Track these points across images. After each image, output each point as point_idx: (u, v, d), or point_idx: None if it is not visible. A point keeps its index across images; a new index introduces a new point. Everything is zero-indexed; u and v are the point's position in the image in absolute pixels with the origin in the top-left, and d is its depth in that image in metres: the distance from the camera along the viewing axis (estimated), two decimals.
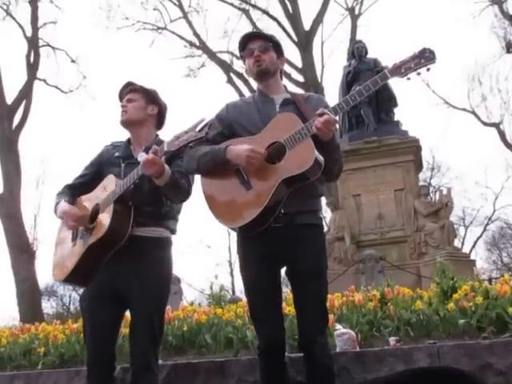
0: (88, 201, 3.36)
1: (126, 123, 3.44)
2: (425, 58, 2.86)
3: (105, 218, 3.13)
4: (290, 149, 2.89)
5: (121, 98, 3.51)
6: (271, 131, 3.00)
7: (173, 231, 3.38)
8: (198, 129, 2.86)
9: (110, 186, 3.24)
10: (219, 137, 3.15)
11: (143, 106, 3.45)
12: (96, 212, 3.23)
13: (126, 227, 3.12)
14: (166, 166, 3.08)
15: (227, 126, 3.18)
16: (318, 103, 3.17)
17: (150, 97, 3.49)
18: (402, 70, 2.88)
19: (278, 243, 2.97)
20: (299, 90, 20.08)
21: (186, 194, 3.24)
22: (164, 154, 2.98)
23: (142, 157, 3.12)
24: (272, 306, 3.02)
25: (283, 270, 3.14)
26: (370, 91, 2.92)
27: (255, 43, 3.20)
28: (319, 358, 2.93)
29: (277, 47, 3.25)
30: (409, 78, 2.89)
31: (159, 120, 3.53)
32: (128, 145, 3.48)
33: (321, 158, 2.88)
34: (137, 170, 3.10)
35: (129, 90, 3.48)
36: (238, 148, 2.96)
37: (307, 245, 3.00)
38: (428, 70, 2.88)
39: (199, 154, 3.07)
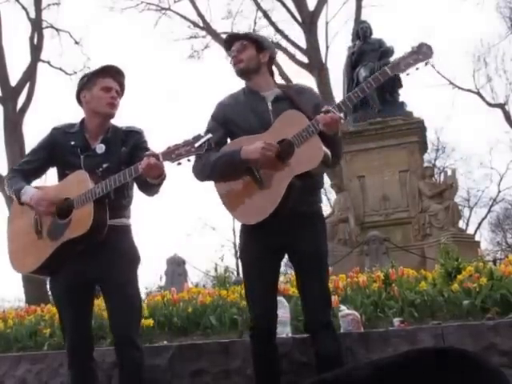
0: (53, 193, 3.28)
1: (111, 117, 3.39)
2: (422, 53, 2.94)
3: (84, 217, 3.09)
4: (298, 146, 2.94)
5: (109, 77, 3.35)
6: (277, 129, 3.05)
7: (129, 218, 3.42)
8: (197, 145, 2.87)
9: (83, 182, 3.16)
10: (225, 139, 3.23)
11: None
12: (67, 207, 3.18)
13: (104, 225, 3.15)
14: None
15: (226, 126, 3.24)
16: (311, 95, 3.29)
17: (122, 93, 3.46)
18: (401, 66, 2.97)
19: (279, 232, 3.03)
20: (303, 72, 20.04)
21: (159, 189, 3.25)
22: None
23: (101, 149, 3.25)
24: (267, 291, 3.12)
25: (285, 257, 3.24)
26: (373, 87, 3.04)
27: (234, 45, 3.28)
28: (326, 338, 3.00)
29: (257, 43, 3.27)
30: (408, 74, 2.99)
31: None
32: (82, 132, 3.38)
33: (328, 155, 2.95)
34: (127, 172, 3.06)
35: (119, 80, 3.40)
36: (252, 146, 3.00)
37: (307, 230, 3.08)
38: (426, 64, 2.95)
39: (213, 160, 3.10)
